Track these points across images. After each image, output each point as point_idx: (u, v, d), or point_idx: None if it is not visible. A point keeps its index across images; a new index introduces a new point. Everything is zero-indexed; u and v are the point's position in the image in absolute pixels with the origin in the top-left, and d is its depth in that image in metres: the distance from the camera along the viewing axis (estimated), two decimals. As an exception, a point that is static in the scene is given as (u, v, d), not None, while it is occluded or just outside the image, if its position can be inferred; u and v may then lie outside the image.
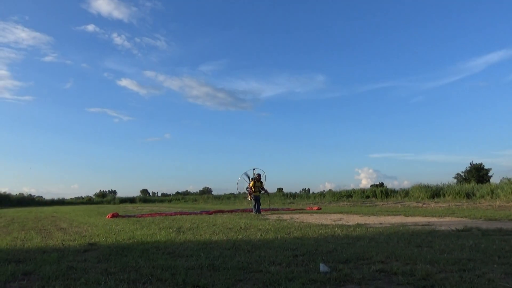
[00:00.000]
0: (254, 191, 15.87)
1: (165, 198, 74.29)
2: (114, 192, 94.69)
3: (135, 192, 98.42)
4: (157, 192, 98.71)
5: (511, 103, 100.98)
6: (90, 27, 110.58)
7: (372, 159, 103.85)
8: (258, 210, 15.42)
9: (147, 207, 31.74)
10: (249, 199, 16.32)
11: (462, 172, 54.69)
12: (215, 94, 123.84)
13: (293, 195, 58.88)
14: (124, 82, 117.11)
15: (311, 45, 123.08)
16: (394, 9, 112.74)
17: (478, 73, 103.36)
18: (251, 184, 16.10)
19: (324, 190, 74.98)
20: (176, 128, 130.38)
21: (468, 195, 35.50)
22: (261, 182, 16.28)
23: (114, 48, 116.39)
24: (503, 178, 48.49)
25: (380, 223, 9.26)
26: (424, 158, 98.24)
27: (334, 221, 10.60)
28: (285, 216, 13.40)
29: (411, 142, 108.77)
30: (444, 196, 37.64)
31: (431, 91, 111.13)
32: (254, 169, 17.12)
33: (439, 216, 11.27)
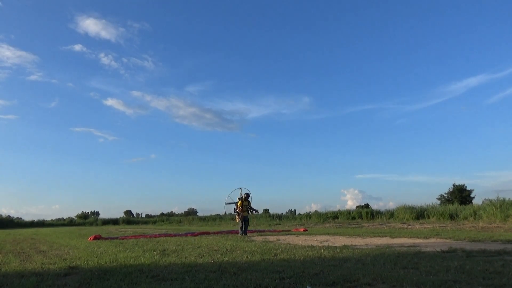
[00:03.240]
0: (242, 211, 15.42)
1: (149, 219, 72.94)
2: (97, 213, 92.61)
3: (119, 213, 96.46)
4: (141, 214, 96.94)
5: (490, 125, 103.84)
6: (77, 47, 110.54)
7: (357, 180, 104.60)
8: (245, 232, 15.08)
9: (130, 229, 31.08)
10: (237, 221, 15.80)
11: (446, 193, 55.39)
12: (202, 114, 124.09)
13: (279, 216, 58.56)
14: (110, 102, 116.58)
15: (297, 67, 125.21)
16: (378, 34, 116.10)
17: (459, 97, 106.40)
18: (239, 204, 15.63)
19: (310, 211, 74.65)
20: (162, 148, 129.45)
21: (452, 216, 35.95)
22: (249, 202, 15.81)
23: (101, 67, 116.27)
24: (485, 199, 49.11)
25: (367, 245, 9.25)
26: (409, 179, 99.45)
27: (321, 242, 10.55)
28: (271, 238, 13.27)
29: (396, 163, 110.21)
30: (429, 217, 38.03)
31: (414, 114, 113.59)
32: (240, 188, 16.71)
33: (424, 237, 11.32)
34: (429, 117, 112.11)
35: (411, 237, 11.33)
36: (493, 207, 33.15)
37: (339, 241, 10.94)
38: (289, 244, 9.97)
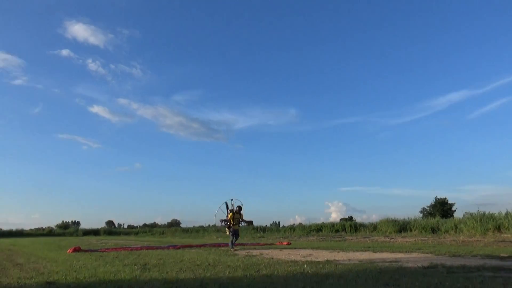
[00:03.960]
0: (233, 224, 14.84)
1: (131, 230, 71.77)
2: (77, 223, 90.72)
3: (100, 224, 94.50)
4: (123, 224, 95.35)
5: (472, 140, 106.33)
6: (65, 52, 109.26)
7: (341, 192, 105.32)
8: (231, 243, 14.72)
9: (112, 240, 30.48)
10: (228, 233, 15.22)
11: (428, 207, 56.19)
12: (189, 124, 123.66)
13: (263, 229, 58.32)
14: (96, 109, 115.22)
15: (284, 78, 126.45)
16: (363, 48, 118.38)
17: (442, 111, 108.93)
18: (229, 216, 14.98)
19: (294, 224, 74.65)
20: (147, 157, 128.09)
21: (434, 230, 36.46)
22: (241, 214, 15.15)
23: (88, 74, 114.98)
24: (465, 212, 49.96)
25: (349, 260, 9.27)
26: (392, 192, 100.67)
27: (304, 257, 10.53)
28: (255, 252, 13.18)
29: (379, 176, 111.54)
30: (411, 230, 38.48)
31: (398, 127, 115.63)
32: (232, 200, 15.91)
33: (406, 251, 11.42)
34: (412, 131, 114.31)
35: (393, 252, 11.41)
36: (474, 221, 33.75)
37: (322, 255, 10.93)
38: (272, 258, 9.92)
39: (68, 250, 15.14)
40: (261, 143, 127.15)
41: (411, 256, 9.98)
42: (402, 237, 29.90)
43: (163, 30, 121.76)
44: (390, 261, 8.52)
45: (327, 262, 8.56)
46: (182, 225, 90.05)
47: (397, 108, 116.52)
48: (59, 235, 64.47)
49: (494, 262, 7.71)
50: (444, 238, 25.93)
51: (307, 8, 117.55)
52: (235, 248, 14.69)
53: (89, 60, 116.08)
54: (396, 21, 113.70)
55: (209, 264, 8.77)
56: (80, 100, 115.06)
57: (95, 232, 65.34)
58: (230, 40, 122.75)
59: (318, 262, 8.48)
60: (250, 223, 16.19)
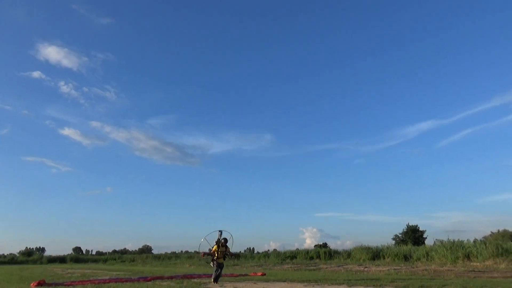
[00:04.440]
0: (218, 257, 13.88)
1: (100, 257, 69.04)
2: (42, 250, 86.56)
3: (67, 250, 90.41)
4: (92, 250, 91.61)
5: (441, 168, 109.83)
6: (36, 74, 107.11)
7: (316, 218, 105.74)
8: (216, 279, 13.80)
9: (78, 270, 29.15)
10: (211, 265, 14.19)
11: (400, 234, 57.07)
12: (163, 148, 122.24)
13: (237, 255, 57.36)
14: (67, 131, 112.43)
15: (259, 104, 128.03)
16: (336, 76, 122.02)
17: (412, 140, 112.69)
18: (214, 248, 13.98)
19: (269, 250, 74.10)
20: (119, 181, 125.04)
21: (406, 257, 37.05)
22: (226, 247, 14.15)
23: (60, 96, 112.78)
24: (436, 239, 51.22)
25: (324, 296, 9.21)
26: (365, 218, 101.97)
27: (278, 293, 10.39)
28: (228, 285, 12.90)
29: (353, 202, 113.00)
30: (384, 258, 38.95)
31: (371, 154, 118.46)
32: (220, 231, 14.82)
33: (380, 286, 11.45)
34: (384, 158, 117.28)
35: (367, 286, 11.41)
36: (444, 249, 34.53)
37: (297, 290, 10.82)
38: (246, 295, 9.72)
39: (32, 284, 14.36)
40: (236, 168, 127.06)
41: (384, 291, 10.00)
42: (376, 265, 30.11)
43: (138, 54, 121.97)
44: (365, 298, 8.50)
45: (302, 300, 8.45)
46: (154, 251, 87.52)
47: (369, 136, 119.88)
48: (21, 262, 61.22)
49: (465, 300, 7.81)
50: (416, 267, 26.27)
51: (284, 36, 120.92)
52: (218, 283, 13.82)
53: (62, 83, 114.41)
54: (369, 54, 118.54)
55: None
56: (50, 122, 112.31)
57: (61, 260, 62.44)
58: (205, 66, 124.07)
59: (293, 300, 8.36)
60: (237, 256, 15.33)
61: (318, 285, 12.31)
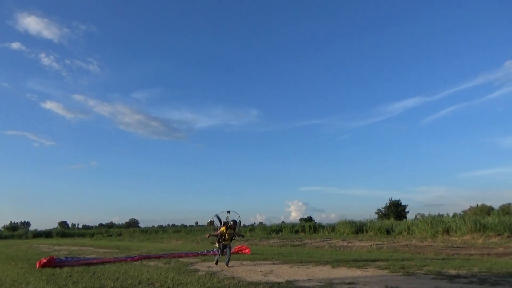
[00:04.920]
0: (225, 239, 13.38)
1: (86, 231, 69.15)
2: (27, 224, 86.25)
3: (53, 224, 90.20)
4: (78, 224, 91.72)
5: (425, 144, 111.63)
6: (15, 45, 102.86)
7: (301, 192, 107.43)
8: (224, 261, 13.17)
9: (65, 247, 29.16)
10: (216, 246, 13.71)
11: (383, 208, 58.60)
12: (148, 122, 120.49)
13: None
14: (49, 105, 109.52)
15: (246, 79, 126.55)
16: (324, 54, 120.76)
17: (397, 116, 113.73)
18: (222, 229, 13.45)
19: (255, 223, 75.26)
20: (104, 155, 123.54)
21: (388, 231, 38.23)
22: (235, 229, 13.63)
23: (41, 68, 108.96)
24: (417, 213, 52.85)
25: (309, 280, 9.43)
26: (349, 192, 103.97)
27: (265, 275, 10.58)
28: (214, 266, 13.10)
29: (338, 177, 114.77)
30: (367, 231, 40.07)
31: (356, 131, 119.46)
32: (228, 212, 14.21)
33: (363, 267, 11.77)
34: (369, 134, 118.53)
35: (351, 267, 11.72)
36: (425, 223, 35.68)
37: (283, 272, 11.05)
38: (233, 279, 9.88)
39: (37, 264, 14.18)
40: (223, 143, 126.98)
41: (367, 274, 10.28)
42: (359, 240, 30.94)
43: (122, 26, 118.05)
44: (348, 283, 8.74)
45: (288, 285, 8.63)
46: (141, 225, 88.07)
47: (355, 112, 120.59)
48: (6, 238, 60.95)
49: (445, 285, 8.10)
50: (398, 241, 27.07)
51: (273, 10, 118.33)
52: (229, 265, 13.04)
53: (42, 55, 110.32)
54: (357, 33, 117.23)
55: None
56: (32, 95, 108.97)
57: (46, 234, 62.35)
58: (192, 39, 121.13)
59: (279, 285, 8.54)
60: (242, 236, 14.59)
61: (303, 266, 12.58)
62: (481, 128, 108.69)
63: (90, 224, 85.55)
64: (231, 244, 13.62)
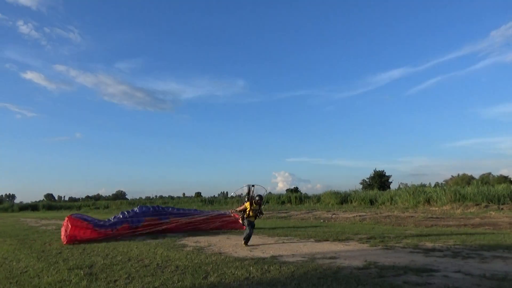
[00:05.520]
0: (249, 216, 12.35)
1: (73, 203, 69.27)
2: (13, 197, 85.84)
3: (39, 197, 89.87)
4: (64, 197, 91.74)
5: (410, 115, 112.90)
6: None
7: (288, 163, 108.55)
8: (247, 239, 12.07)
9: (53, 221, 29.28)
10: (241, 223, 12.77)
11: (367, 178, 59.93)
12: (133, 93, 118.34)
13: (211, 200, 58.99)
14: (30, 75, 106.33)
15: (232, 50, 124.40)
16: (309, 26, 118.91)
17: (383, 87, 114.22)
18: (246, 205, 12.40)
19: (242, 194, 76.33)
20: (88, 127, 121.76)
21: (372, 202, 39.36)
22: (260, 205, 12.50)
23: (19, 37, 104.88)
24: (401, 183, 54.23)
25: (293, 255, 9.84)
26: (335, 163, 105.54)
27: (250, 250, 10.98)
28: (202, 241, 13.46)
29: (324, 147, 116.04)
30: (352, 202, 41.15)
31: (342, 101, 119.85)
32: (253, 186, 12.97)
33: (346, 240, 12.27)
34: (355, 105, 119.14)
35: (333, 241, 12.21)
36: (407, 194, 36.78)
37: (269, 247, 11.47)
38: (220, 254, 10.24)
39: (64, 238, 14.00)
40: (209, 114, 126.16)
41: (349, 248, 10.76)
42: (343, 210, 31.84)
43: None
44: (330, 258, 9.18)
45: (272, 260, 9.01)
46: (128, 197, 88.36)
47: (341, 83, 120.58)
48: (-8, 210, 60.69)
49: (420, 259, 8.58)
50: (380, 212, 27.96)
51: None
52: (248, 245, 12.05)
53: (20, 22, 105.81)
54: (344, 4, 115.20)
55: (158, 265, 8.90)
56: (11, 65, 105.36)
57: (33, 207, 62.20)
58: (177, 8, 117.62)
59: (264, 261, 8.91)
60: (262, 214, 12.93)
61: (288, 240, 13.03)
62: (464, 99, 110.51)
63: (77, 197, 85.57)
64: (254, 221, 12.56)
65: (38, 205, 63.83)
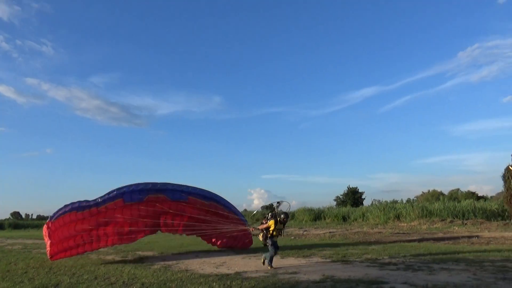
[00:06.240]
0: (273, 235, 11.13)
1: (41, 222, 66.74)
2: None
3: (4, 215, 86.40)
4: (32, 215, 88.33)
5: (382, 132, 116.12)
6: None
7: (264, 180, 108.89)
8: (271, 259, 10.86)
9: (19, 241, 28.45)
10: (260, 239, 11.63)
11: (341, 195, 60.89)
12: (107, 108, 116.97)
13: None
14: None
15: (209, 66, 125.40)
16: (284, 44, 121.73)
17: (356, 105, 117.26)
18: (270, 224, 11.14)
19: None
20: (60, 142, 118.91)
21: (345, 218, 40.16)
22: (284, 225, 11.35)
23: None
24: (374, 200, 55.52)
25: (257, 271, 10.19)
26: (310, 179, 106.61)
27: (217, 267, 11.26)
28: (170, 258, 13.60)
29: (299, 164, 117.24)
30: (325, 218, 41.81)
31: (317, 119, 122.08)
32: (278, 203, 11.87)
33: (310, 255, 12.73)
34: (330, 122, 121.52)
35: (298, 257, 12.65)
36: (378, 210, 37.77)
37: (235, 264, 11.78)
38: (186, 271, 10.47)
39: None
40: (185, 130, 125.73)
41: (311, 262, 11.22)
42: (316, 227, 32.34)
43: (78, 6, 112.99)
44: (291, 272, 9.59)
45: (236, 276, 9.34)
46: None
47: (317, 101, 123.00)
48: (-45, 230, 57.95)
49: (374, 273, 9.10)
50: (351, 229, 28.61)
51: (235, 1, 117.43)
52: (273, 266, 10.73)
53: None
54: (317, 23, 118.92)
55: (124, 283, 9.06)
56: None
57: (-2, 226, 59.67)
58: (153, 21, 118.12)
59: (228, 277, 9.22)
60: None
61: (255, 256, 13.36)
62: (433, 117, 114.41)
63: (46, 214, 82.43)
64: (276, 240, 11.30)
65: (4, 223, 61.24)
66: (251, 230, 12.77)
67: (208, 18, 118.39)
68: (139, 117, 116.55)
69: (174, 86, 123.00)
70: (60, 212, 12.80)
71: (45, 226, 13.33)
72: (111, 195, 12.69)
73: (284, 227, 11.34)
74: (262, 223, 11.72)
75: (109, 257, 14.79)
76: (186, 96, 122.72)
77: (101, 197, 12.69)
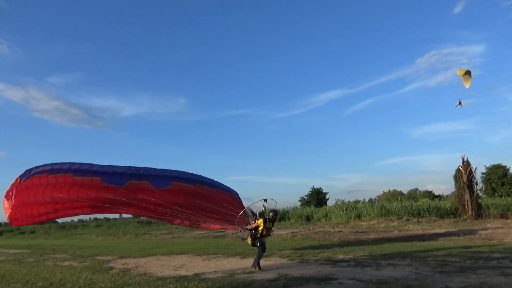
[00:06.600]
0: (262, 235, 10.90)
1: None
2: None
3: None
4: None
5: (346, 134, 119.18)
6: None
7: (230, 182, 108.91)
8: (258, 263, 10.48)
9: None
10: (248, 242, 11.20)
11: (305, 196, 62.06)
12: (67, 109, 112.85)
13: (148, 222, 57.54)
14: None
15: (174, 67, 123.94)
16: (251, 45, 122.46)
17: (321, 107, 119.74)
18: (259, 223, 10.84)
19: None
20: (14, 145, 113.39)
21: (308, 218, 41.08)
22: (273, 223, 11.18)
23: None
24: (337, 199, 57.01)
25: (215, 272, 10.41)
26: (276, 180, 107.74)
27: (176, 269, 11.37)
28: (130, 262, 13.55)
29: (265, 165, 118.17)
30: (289, 219, 42.59)
31: (282, 121, 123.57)
32: (265, 200, 11.74)
33: (268, 256, 13.06)
34: (295, 124, 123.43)
35: (257, 257, 12.93)
36: (340, 210, 38.97)
37: (194, 266, 11.92)
38: (145, 274, 10.52)
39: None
40: (149, 132, 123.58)
41: (268, 263, 11.54)
42: (279, 228, 32.86)
43: (36, 4, 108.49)
44: (248, 272, 9.89)
45: (194, 278, 9.51)
46: (59, 220, 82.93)
47: (282, 103, 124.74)
48: None
49: (327, 270, 9.56)
50: (313, 229, 29.33)
51: (205, 2, 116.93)
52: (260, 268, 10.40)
53: None
54: (283, 25, 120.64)
55: (80, 288, 9.02)
56: None
57: None
58: (115, 19, 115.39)
59: (185, 279, 9.38)
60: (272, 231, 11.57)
61: (215, 258, 13.57)
62: (394, 120, 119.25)
63: (-6, 221, 78.54)
64: (265, 240, 11.19)
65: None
66: (238, 231, 12.67)
67: (173, 19, 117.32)
68: (101, 118, 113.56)
69: (139, 88, 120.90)
70: (30, 173, 11.78)
71: (12, 185, 12.17)
72: (91, 169, 11.84)
73: (273, 225, 11.25)
74: (249, 224, 11.62)
75: (66, 263, 14.50)
76: (151, 97, 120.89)
77: (79, 164, 11.79)
